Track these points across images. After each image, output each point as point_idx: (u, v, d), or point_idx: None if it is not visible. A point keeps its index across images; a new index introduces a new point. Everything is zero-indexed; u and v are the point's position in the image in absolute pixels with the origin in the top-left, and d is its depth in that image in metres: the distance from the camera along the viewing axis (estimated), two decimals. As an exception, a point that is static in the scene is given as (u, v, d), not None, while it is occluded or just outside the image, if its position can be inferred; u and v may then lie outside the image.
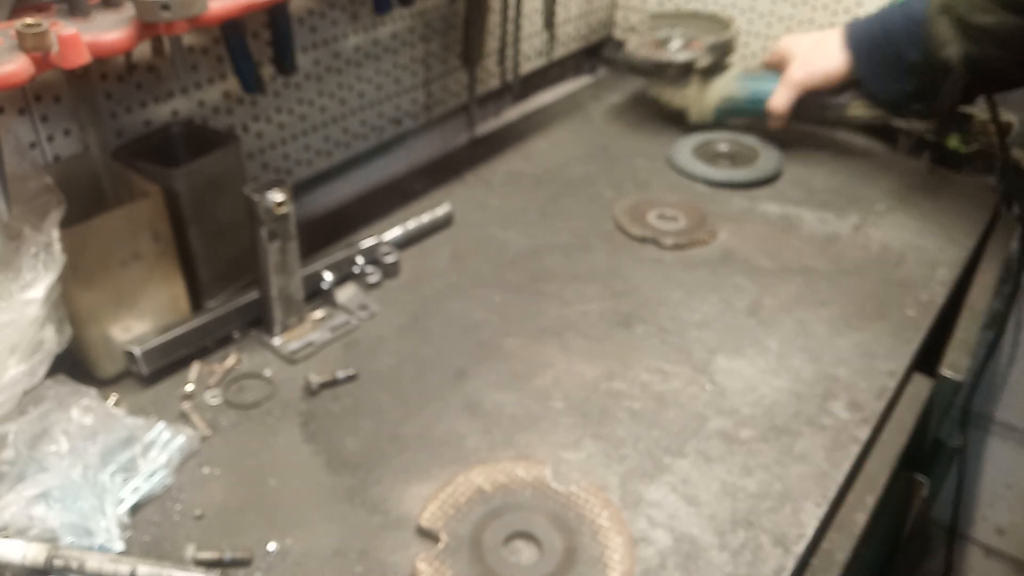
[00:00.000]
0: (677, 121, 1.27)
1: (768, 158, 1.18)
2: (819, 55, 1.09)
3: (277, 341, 0.83)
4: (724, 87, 1.22)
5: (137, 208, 0.75)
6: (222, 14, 0.68)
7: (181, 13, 0.64)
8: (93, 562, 0.58)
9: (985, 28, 0.92)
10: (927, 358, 0.89)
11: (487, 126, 1.34)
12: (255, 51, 0.86)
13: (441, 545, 0.62)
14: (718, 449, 0.72)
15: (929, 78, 1.00)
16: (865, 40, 1.04)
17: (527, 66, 1.36)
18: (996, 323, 1.33)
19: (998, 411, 1.50)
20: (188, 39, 0.85)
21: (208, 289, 0.85)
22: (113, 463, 0.66)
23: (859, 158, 1.22)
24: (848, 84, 1.08)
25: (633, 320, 0.89)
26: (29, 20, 0.59)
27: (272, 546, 0.63)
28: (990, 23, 0.92)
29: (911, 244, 1.02)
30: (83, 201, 0.72)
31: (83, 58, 0.60)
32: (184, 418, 0.74)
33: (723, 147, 1.21)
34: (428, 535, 0.63)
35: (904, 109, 1.09)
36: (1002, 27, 0.91)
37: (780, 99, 1.13)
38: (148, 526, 0.64)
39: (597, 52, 1.55)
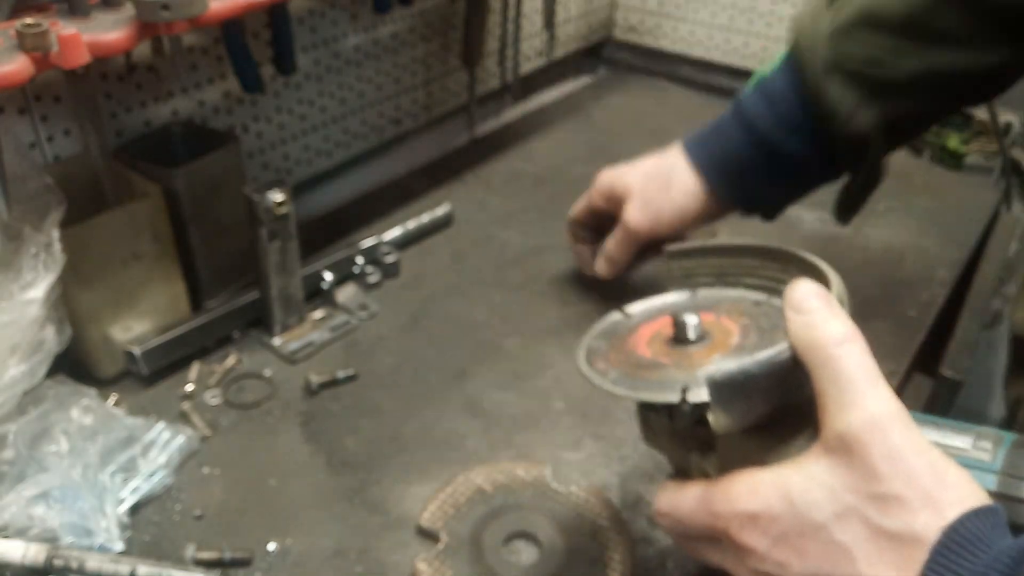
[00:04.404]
0: (677, 121, 1.27)
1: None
2: (662, 188, 0.78)
3: (277, 341, 0.83)
4: None
5: (137, 208, 0.75)
6: (222, 14, 0.68)
7: (181, 13, 0.64)
8: (93, 562, 0.58)
9: (907, 78, 0.66)
10: (927, 358, 0.89)
11: (487, 126, 1.34)
12: (255, 51, 0.86)
13: (441, 545, 0.62)
14: (718, 449, 0.72)
15: (822, 164, 0.72)
16: (717, 155, 0.75)
17: (527, 66, 1.36)
18: (995, 322, 1.34)
19: (993, 410, 1.50)
20: (188, 39, 0.85)
21: (208, 289, 0.85)
22: (113, 463, 0.66)
23: (859, 158, 1.22)
24: (709, 215, 0.79)
25: (633, 320, 0.89)
26: (29, 20, 0.59)
27: (272, 546, 0.63)
28: (911, 70, 0.65)
29: (911, 244, 1.02)
30: (83, 201, 0.72)
31: (83, 58, 0.60)
32: (184, 418, 0.74)
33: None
34: (428, 535, 0.63)
35: (783, 206, 0.79)
36: (931, 70, 0.65)
37: (616, 253, 0.82)
38: (148, 526, 0.64)
39: (597, 52, 1.55)
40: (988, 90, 0.71)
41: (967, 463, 0.43)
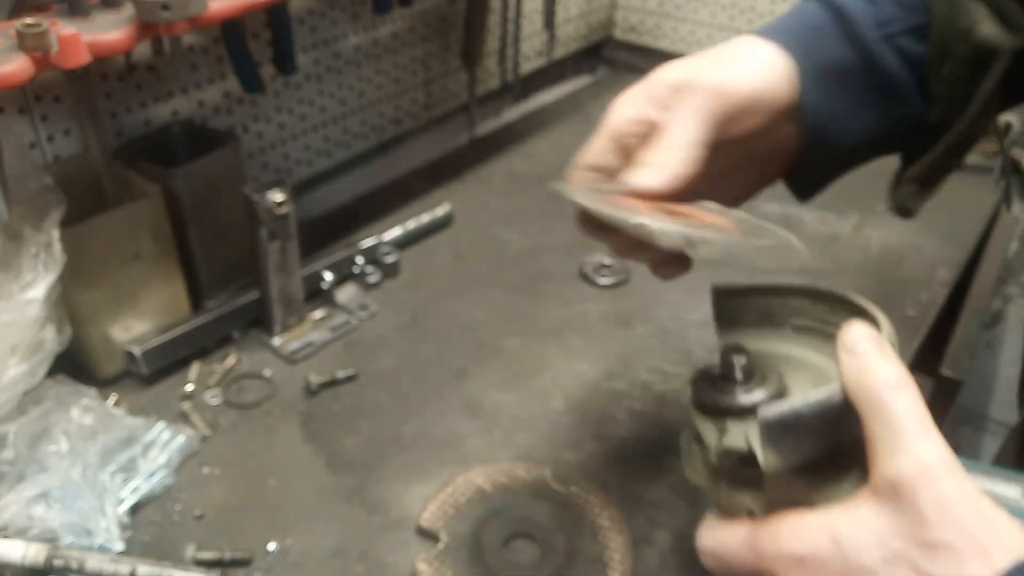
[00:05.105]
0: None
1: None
2: (728, 57, 0.56)
3: (277, 341, 0.83)
4: None
5: (137, 208, 0.75)
6: (222, 14, 0.68)
7: (181, 13, 0.64)
8: (93, 562, 0.58)
9: None
10: (927, 358, 0.89)
11: (487, 126, 1.34)
12: (255, 51, 0.86)
13: (441, 545, 0.62)
14: (718, 449, 0.72)
15: (922, 97, 0.57)
16: (813, 55, 0.56)
17: (527, 66, 1.36)
18: (995, 322, 1.34)
19: (994, 410, 1.50)
20: (188, 39, 0.85)
21: (208, 289, 0.85)
22: (113, 463, 0.66)
23: (859, 158, 1.22)
24: (777, 121, 0.57)
25: (633, 320, 0.89)
26: (29, 20, 0.59)
27: (272, 546, 0.63)
28: None
29: (911, 244, 1.02)
30: (83, 201, 0.72)
31: (83, 58, 0.60)
32: (184, 418, 0.74)
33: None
34: (428, 535, 0.63)
35: (881, 150, 0.63)
36: None
37: (684, 143, 0.53)
38: (148, 526, 0.64)
39: (597, 52, 1.55)
40: None
41: (1017, 512, 0.42)
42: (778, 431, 0.42)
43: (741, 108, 0.55)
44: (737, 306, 0.58)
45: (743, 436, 0.44)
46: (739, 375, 0.48)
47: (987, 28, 0.54)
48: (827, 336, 0.53)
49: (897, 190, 0.64)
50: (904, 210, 0.64)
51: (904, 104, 0.58)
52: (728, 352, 0.49)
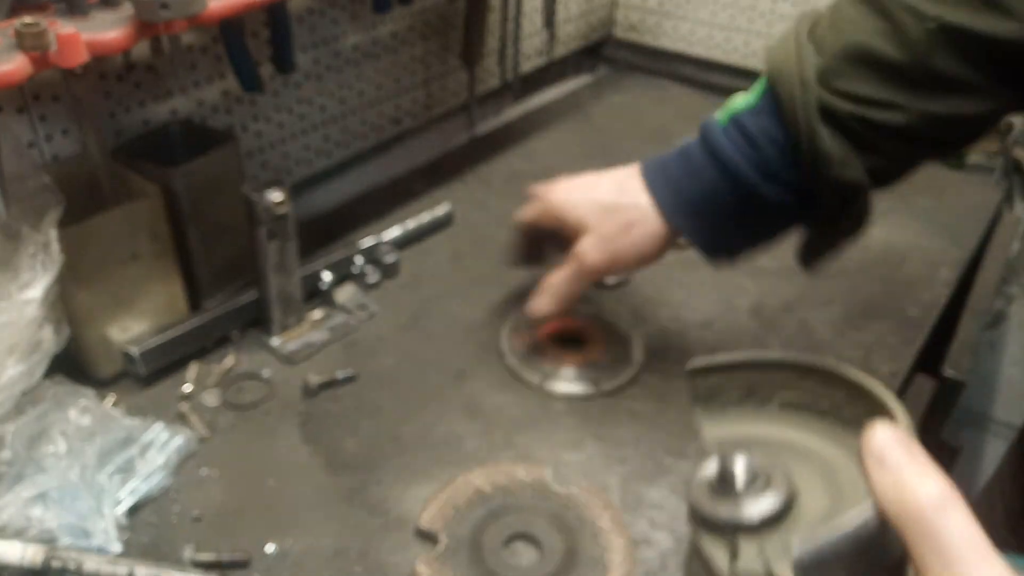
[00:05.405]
0: (677, 120, 1.27)
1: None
2: (622, 230, 0.69)
3: (276, 341, 0.83)
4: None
5: (135, 208, 0.75)
6: (221, 13, 0.68)
7: (180, 12, 0.63)
8: (91, 563, 0.58)
9: (905, 125, 0.59)
10: (929, 358, 0.89)
11: (487, 125, 1.34)
12: (254, 50, 0.85)
13: (441, 546, 0.61)
14: (719, 450, 0.72)
15: (804, 211, 0.65)
16: (685, 194, 0.66)
17: (527, 65, 1.36)
18: (997, 322, 1.33)
19: (996, 410, 1.50)
20: (187, 38, 0.85)
21: (206, 289, 0.85)
22: (111, 464, 0.66)
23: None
24: (665, 253, 0.71)
25: (634, 320, 0.88)
26: (27, 19, 0.58)
27: (271, 547, 0.63)
28: (909, 118, 0.59)
29: (913, 244, 1.02)
30: (81, 200, 0.72)
31: (81, 57, 0.60)
32: (182, 419, 0.74)
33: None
34: (428, 536, 0.63)
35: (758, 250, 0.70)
36: (929, 116, 0.59)
37: (566, 289, 0.74)
38: (146, 527, 0.64)
39: (597, 51, 1.54)
40: (981, 132, 0.64)
41: None
42: (812, 568, 0.37)
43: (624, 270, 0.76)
44: (716, 383, 0.55)
45: (758, 556, 0.39)
46: (742, 484, 0.43)
47: (850, 172, 0.60)
48: (821, 413, 0.50)
49: (799, 256, 0.70)
50: (809, 269, 0.70)
51: (789, 216, 0.66)
52: (727, 459, 0.44)
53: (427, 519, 0.63)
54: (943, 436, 1.02)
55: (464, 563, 0.60)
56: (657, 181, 0.68)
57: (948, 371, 0.87)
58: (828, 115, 0.58)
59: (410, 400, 0.77)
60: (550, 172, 1.19)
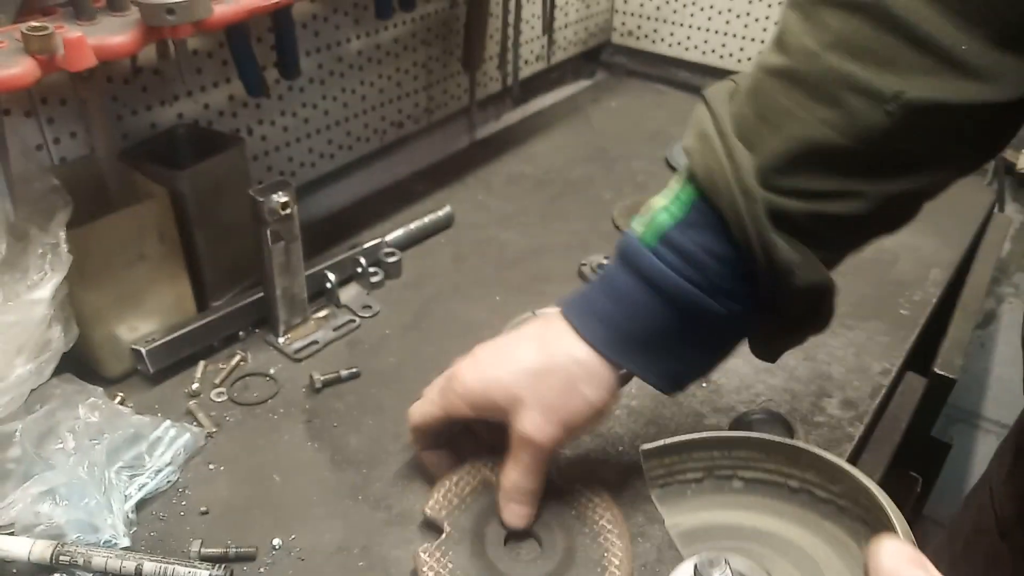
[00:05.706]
0: (674, 124, 1.28)
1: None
2: (565, 391, 0.58)
3: (281, 340, 0.84)
4: None
5: (143, 209, 0.76)
6: (226, 18, 0.69)
7: (186, 17, 0.64)
8: (99, 558, 0.59)
9: (864, 213, 0.51)
10: (921, 357, 0.90)
11: (487, 129, 1.35)
12: (259, 55, 0.87)
13: (444, 536, 0.62)
14: (715, 446, 0.73)
15: (762, 317, 0.57)
16: (626, 331, 0.57)
17: (527, 70, 1.37)
18: (988, 321, 1.35)
19: (986, 408, 1.51)
20: (193, 43, 0.86)
21: (213, 289, 0.86)
22: (119, 460, 0.67)
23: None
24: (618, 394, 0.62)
25: (632, 320, 0.89)
26: (35, 23, 0.59)
27: (276, 541, 0.64)
28: (866, 205, 0.51)
29: (905, 244, 1.03)
30: (89, 202, 0.73)
31: (88, 61, 0.60)
32: (190, 416, 0.75)
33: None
34: (431, 525, 0.63)
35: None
36: (886, 197, 0.51)
37: (529, 484, 0.61)
38: (154, 522, 0.65)
39: (596, 56, 1.56)
40: (934, 196, 0.55)
41: None
42: None
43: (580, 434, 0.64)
44: (673, 463, 0.52)
45: None
46: None
47: (815, 275, 0.53)
48: (790, 491, 0.47)
49: (755, 351, 0.61)
50: (769, 360, 0.62)
51: (748, 322, 0.57)
52: (703, 569, 0.42)
53: (432, 506, 0.63)
54: (933, 433, 1.04)
55: (465, 554, 0.61)
56: (587, 323, 0.58)
57: (939, 369, 0.88)
58: (779, 219, 0.50)
59: (412, 397, 0.78)
60: (550, 174, 1.21)
